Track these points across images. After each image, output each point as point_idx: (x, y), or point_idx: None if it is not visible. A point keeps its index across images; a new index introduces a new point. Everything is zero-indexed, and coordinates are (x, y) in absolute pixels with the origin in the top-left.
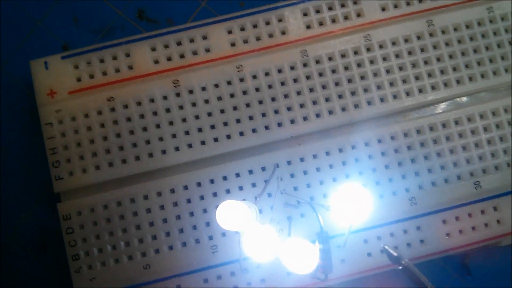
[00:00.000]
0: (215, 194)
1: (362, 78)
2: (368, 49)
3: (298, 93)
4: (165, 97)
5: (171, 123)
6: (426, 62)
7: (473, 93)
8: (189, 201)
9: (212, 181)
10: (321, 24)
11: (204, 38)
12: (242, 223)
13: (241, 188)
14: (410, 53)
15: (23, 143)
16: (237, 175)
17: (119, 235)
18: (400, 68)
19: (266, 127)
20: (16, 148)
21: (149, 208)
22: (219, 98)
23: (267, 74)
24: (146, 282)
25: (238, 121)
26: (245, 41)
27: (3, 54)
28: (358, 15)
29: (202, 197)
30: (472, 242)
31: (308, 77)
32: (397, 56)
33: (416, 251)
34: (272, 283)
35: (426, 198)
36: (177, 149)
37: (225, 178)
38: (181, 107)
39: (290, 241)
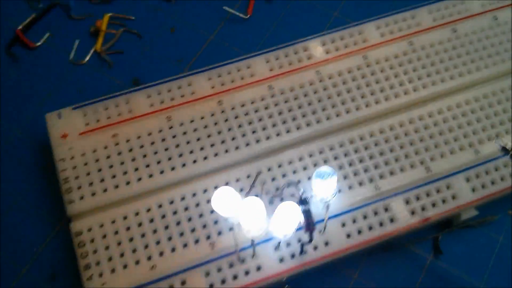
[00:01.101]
0: (208, 201)
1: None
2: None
3: (270, 116)
4: (160, 130)
5: (166, 149)
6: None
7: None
8: (186, 209)
9: (205, 191)
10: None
11: (189, 84)
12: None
13: None
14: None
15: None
16: (226, 183)
17: (127, 244)
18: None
19: (247, 144)
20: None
21: (152, 218)
22: (205, 127)
23: (242, 105)
24: (153, 280)
25: (222, 142)
26: (223, 84)
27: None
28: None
29: (197, 204)
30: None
31: (276, 104)
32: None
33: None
34: (268, 270)
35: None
36: (173, 169)
37: (216, 187)
38: (174, 137)
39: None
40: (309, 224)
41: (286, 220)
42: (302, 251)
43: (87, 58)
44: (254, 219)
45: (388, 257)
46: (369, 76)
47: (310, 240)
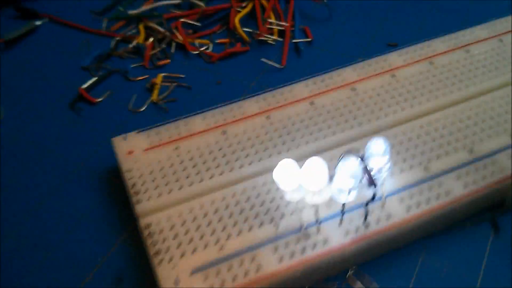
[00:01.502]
0: (267, 192)
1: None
2: None
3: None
4: (217, 142)
5: (223, 156)
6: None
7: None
8: (247, 200)
9: (264, 184)
10: None
11: (240, 107)
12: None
13: None
14: None
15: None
16: None
17: (194, 232)
18: None
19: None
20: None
21: (216, 209)
22: (257, 136)
23: (288, 118)
24: (223, 258)
25: (275, 146)
26: (269, 104)
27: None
28: None
29: (258, 195)
30: None
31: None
32: None
33: None
34: (334, 242)
35: None
36: (231, 170)
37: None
38: (229, 146)
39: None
40: (372, 179)
41: (350, 174)
42: (366, 217)
43: (144, 107)
44: (317, 179)
45: (450, 239)
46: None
47: (373, 197)
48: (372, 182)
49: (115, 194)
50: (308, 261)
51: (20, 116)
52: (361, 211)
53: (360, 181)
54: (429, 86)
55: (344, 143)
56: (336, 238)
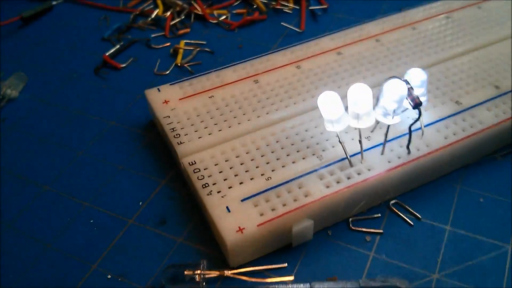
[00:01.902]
0: (306, 130)
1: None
2: None
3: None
4: (250, 90)
5: (258, 101)
6: None
7: None
8: (287, 137)
9: (301, 124)
10: None
11: (268, 60)
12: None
13: None
14: None
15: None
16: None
17: (238, 167)
18: None
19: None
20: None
21: (258, 147)
22: (289, 83)
23: (318, 67)
24: (271, 187)
25: (307, 91)
26: (298, 56)
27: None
28: None
29: (297, 134)
30: None
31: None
32: None
33: None
34: (378, 169)
35: None
36: (267, 113)
37: (311, 120)
38: (263, 92)
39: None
40: (418, 99)
41: (394, 95)
42: (409, 140)
43: (169, 70)
44: (362, 104)
45: (482, 170)
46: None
47: (418, 117)
48: (417, 103)
49: (150, 145)
50: (354, 187)
51: (46, 85)
52: (401, 141)
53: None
54: (446, 38)
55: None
56: (379, 166)
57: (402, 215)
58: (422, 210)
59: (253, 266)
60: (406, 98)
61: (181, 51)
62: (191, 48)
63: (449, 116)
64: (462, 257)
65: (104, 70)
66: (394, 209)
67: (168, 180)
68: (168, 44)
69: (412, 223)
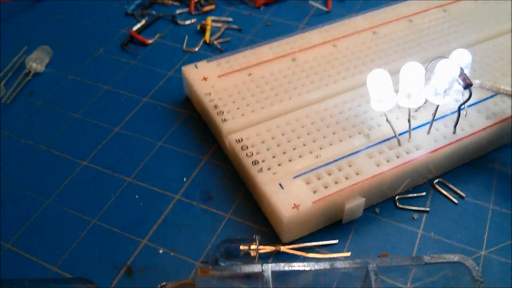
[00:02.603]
0: (350, 109)
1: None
2: None
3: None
4: (288, 68)
5: (298, 80)
6: None
7: None
8: (331, 116)
9: (344, 102)
10: None
11: (303, 39)
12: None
13: None
14: None
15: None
16: (362, 96)
17: (286, 145)
18: None
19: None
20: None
21: (303, 125)
22: (327, 62)
23: (354, 46)
24: (321, 165)
25: (347, 69)
26: (332, 35)
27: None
28: None
29: (340, 112)
30: None
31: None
32: None
33: None
34: (426, 148)
35: None
36: (308, 91)
37: (353, 99)
38: (302, 71)
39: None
40: (468, 79)
41: (447, 75)
42: (458, 120)
43: (198, 47)
44: (414, 82)
45: None
46: None
47: (469, 97)
48: (468, 83)
49: (187, 122)
50: (403, 166)
51: (72, 60)
52: (444, 121)
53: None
54: (483, 17)
55: None
56: (427, 145)
57: (446, 193)
58: (464, 189)
59: (304, 243)
60: (457, 79)
61: (208, 27)
62: (219, 25)
63: (490, 98)
64: (507, 234)
65: (131, 46)
66: (438, 187)
67: (209, 156)
68: (194, 20)
69: (456, 201)
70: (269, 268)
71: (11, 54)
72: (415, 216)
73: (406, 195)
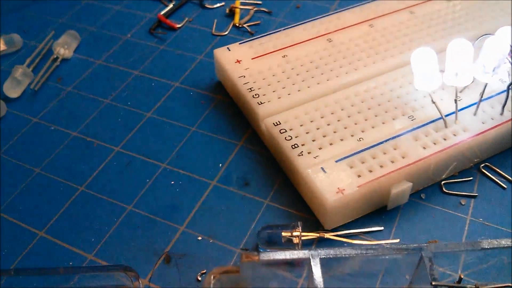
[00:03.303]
0: (391, 90)
1: None
2: None
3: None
4: (325, 49)
5: (335, 61)
6: None
7: None
8: (372, 98)
9: (385, 83)
10: None
11: (338, 18)
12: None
13: None
14: None
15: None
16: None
17: (325, 128)
18: None
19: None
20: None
21: (342, 108)
22: (365, 41)
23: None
24: (364, 149)
25: (385, 50)
26: (370, 13)
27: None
28: None
29: (382, 94)
30: None
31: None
32: None
33: None
34: (473, 130)
35: None
36: (346, 73)
37: (394, 80)
38: (339, 52)
39: None
40: None
41: (497, 52)
42: (506, 100)
43: (228, 30)
44: (462, 60)
45: None
46: None
47: None
48: None
49: (219, 107)
50: (452, 149)
51: (99, 45)
52: (491, 101)
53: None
54: None
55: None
56: (474, 127)
57: (494, 178)
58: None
59: (347, 229)
60: (507, 56)
61: (237, 11)
62: (248, 8)
63: None
64: None
65: (159, 30)
66: (485, 172)
67: (244, 141)
68: (222, 4)
69: (505, 186)
70: (317, 254)
71: (38, 40)
72: (463, 201)
73: (452, 180)
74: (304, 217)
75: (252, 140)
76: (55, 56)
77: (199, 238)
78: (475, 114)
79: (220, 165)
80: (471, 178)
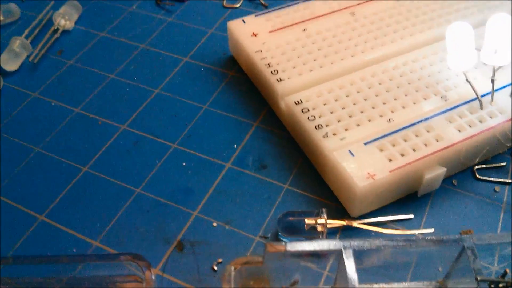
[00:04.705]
0: (422, 68)
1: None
2: None
3: None
4: (347, 23)
5: (359, 35)
6: None
7: None
8: (401, 75)
9: (413, 61)
10: None
11: None
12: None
13: None
14: None
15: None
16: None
17: (351, 107)
18: None
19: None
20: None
21: (369, 86)
22: (390, 16)
23: None
24: (395, 130)
25: (414, 25)
26: None
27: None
28: None
29: (412, 71)
30: None
31: None
32: None
33: None
34: (507, 114)
35: None
36: (372, 48)
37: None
38: (362, 26)
39: None
40: None
41: None
42: None
43: (240, 3)
44: (502, 37)
45: None
46: None
47: None
48: None
49: (233, 84)
50: (489, 132)
51: (102, 16)
52: None
53: None
54: None
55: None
56: (510, 108)
57: None
58: None
59: (374, 217)
60: None
61: None
62: None
63: None
64: None
65: (167, 1)
66: None
67: (260, 121)
68: None
69: None
70: (350, 245)
71: (37, 10)
72: (497, 188)
73: (484, 166)
74: (326, 203)
75: (269, 120)
76: (55, 28)
77: (214, 224)
78: (511, 95)
79: (235, 146)
80: (504, 163)
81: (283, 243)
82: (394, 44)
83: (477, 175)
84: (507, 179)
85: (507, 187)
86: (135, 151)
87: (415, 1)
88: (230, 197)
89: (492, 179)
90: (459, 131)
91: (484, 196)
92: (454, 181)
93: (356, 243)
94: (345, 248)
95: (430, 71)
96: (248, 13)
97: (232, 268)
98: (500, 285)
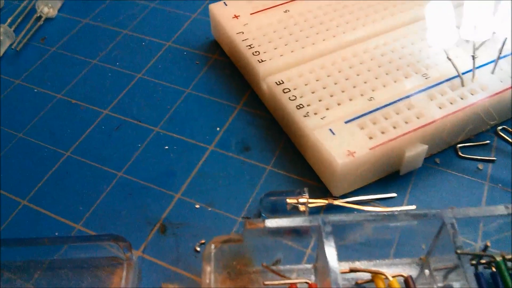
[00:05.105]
0: (403, 47)
1: None
2: None
3: None
4: (329, 4)
5: (341, 16)
6: None
7: None
8: (382, 55)
9: (395, 40)
10: None
11: None
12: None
13: None
14: None
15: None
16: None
17: (332, 87)
18: None
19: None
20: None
21: (350, 66)
22: None
23: None
24: (376, 108)
25: (394, 6)
26: None
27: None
28: None
29: (393, 51)
30: None
31: None
32: None
33: None
34: (492, 88)
35: None
36: (354, 29)
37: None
38: (344, 7)
39: None
40: None
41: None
42: None
43: None
44: (481, 12)
45: None
46: None
47: None
48: None
49: (215, 67)
50: (470, 108)
51: (85, 3)
52: (508, 59)
53: None
54: None
55: None
56: (493, 85)
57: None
58: None
59: (357, 196)
60: None
61: None
62: None
63: None
64: None
65: None
66: (503, 134)
67: (243, 104)
68: None
69: None
70: (329, 220)
71: None
72: (480, 166)
73: (468, 144)
74: (309, 183)
75: (252, 102)
76: (38, 15)
77: (197, 206)
78: (493, 72)
79: (218, 129)
80: (488, 141)
81: (261, 219)
82: (375, 24)
83: (460, 153)
84: (490, 156)
85: (490, 164)
86: (117, 136)
87: None
88: (213, 179)
89: (475, 157)
90: (440, 108)
91: (467, 174)
92: (437, 160)
93: (335, 218)
94: (324, 223)
95: (411, 50)
96: None
97: (212, 246)
98: (482, 260)
